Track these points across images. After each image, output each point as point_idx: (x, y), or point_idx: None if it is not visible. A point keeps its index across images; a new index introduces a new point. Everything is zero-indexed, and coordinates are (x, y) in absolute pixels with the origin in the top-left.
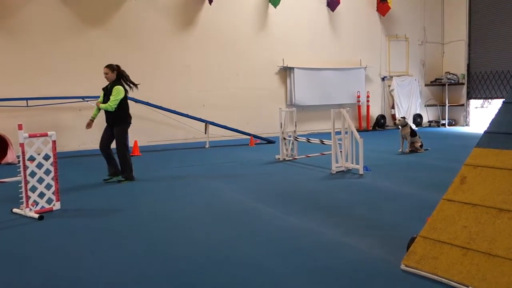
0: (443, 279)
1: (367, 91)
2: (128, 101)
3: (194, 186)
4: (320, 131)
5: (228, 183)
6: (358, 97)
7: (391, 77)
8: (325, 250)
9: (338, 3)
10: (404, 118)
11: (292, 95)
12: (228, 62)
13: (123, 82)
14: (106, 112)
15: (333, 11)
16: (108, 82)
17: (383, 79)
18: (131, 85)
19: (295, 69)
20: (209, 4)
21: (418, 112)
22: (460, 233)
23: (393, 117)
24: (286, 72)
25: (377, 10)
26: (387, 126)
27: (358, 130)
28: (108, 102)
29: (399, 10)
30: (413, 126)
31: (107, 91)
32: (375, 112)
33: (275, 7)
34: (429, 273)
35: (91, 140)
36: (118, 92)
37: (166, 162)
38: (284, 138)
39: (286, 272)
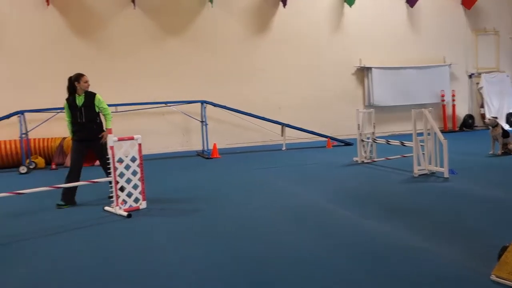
0: None
1: (452, 90)
2: (207, 104)
3: (272, 188)
4: (400, 133)
5: (305, 185)
6: (443, 96)
7: (480, 74)
8: (403, 256)
9: None
10: (495, 117)
11: (370, 96)
12: (304, 64)
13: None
14: (84, 126)
15: (412, 6)
16: (80, 93)
17: (470, 76)
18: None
19: (372, 68)
20: (283, 7)
21: (511, 111)
22: None
23: (483, 116)
24: (363, 72)
25: (462, 3)
26: (476, 126)
27: (442, 131)
28: (106, 113)
29: (486, 2)
30: (506, 126)
31: (84, 103)
32: (461, 112)
33: (350, 6)
34: None
35: (174, 142)
36: (103, 100)
37: (244, 165)
38: (362, 140)
39: (360, 276)
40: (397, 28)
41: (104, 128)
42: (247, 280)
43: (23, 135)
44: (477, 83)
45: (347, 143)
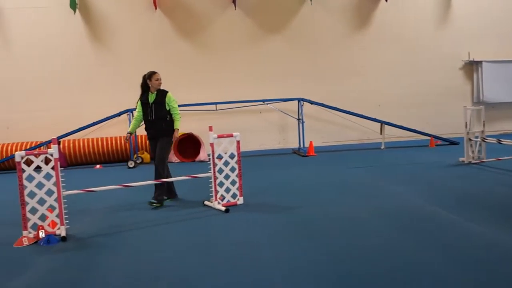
0: None
1: None
2: (304, 102)
3: (369, 188)
4: None
5: (406, 186)
6: None
7: None
8: None
9: None
10: None
11: (480, 92)
12: (406, 59)
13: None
14: (154, 123)
15: None
16: (152, 91)
17: None
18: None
19: (483, 62)
20: (385, 2)
21: None
22: None
23: None
24: (472, 66)
25: None
26: None
27: None
28: (174, 112)
29: None
30: None
31: (155, 100)
32: None
33: None
34: None
35: (271, 140)
36: (174, 99)
37: (341, 163)
38: (470, 139)
39: (468, 285)
40: (509, 17)
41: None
42: (341, 281)
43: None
44: None
45: (452, 142)
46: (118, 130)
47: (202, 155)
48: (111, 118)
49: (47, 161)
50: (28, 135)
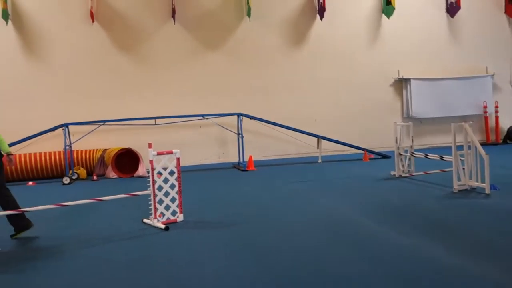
0: None
1: (495, 101)
2: (243, 117)
3: (306, 202)
4: (440, 145)
5: (340, 199)
6: (485, 107)
7: None
8: (441, 276)
9: (459, 8)
10: None
11: (409, 107)
12: (340, 75)
13: None
14: None
15: (453, 17)
16: None
17: None
18: None
19: (411, 80)
20: (320, 20)
21: None
22: None
23: None
24: (401, 83)
25: (505, 12)
26: None
27: (485, 144)
28: None
29: None
30: None
31: None
32: (506, 124)
33: (388, 17)
34: None
35: (211, 154)
36: None
37: (279, 177)
38: (400, 154)
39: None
40: (437, 38)
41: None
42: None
43: (67, 147)
44: None
45: (384, 156)
46: (52, 144)
47: (141, 171)
48: (46, 132)
49: None
50: None
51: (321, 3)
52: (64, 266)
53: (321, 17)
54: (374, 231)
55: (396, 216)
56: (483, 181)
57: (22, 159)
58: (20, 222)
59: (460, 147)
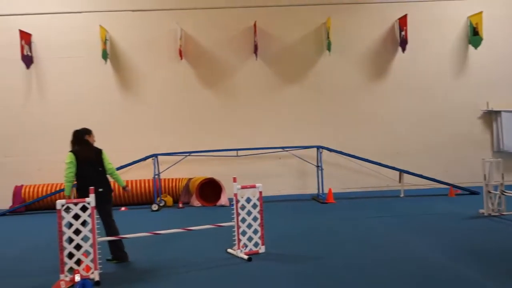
0: None
1: None
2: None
3: (388, 240)
4: None
5: (424, 237)
6: None
7: None
8: None
9: None
10: None
11: (500, 141)
12: (424, 108)
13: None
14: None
15: None
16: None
17: None
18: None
19: (502, 112)
20: (402, 52)
21: None
22: None
23: None
24: (491, 115)
25: None
26: None
27: None
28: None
29: None
30: None
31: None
32: None
33: (476, 48)
34: None
35: (290, 186)
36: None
37: (360, 211)
38: (489, 192)
39: None
40: None
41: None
42: None
43: (156, 176)
44: None
45: (472, 192)
46: (143, 173)
47: (223, 200)
48: (138, 162)
49: (84, 209)
50: (58, 176)
51: (403, 35)
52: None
53: (403, 49)
54: (457, 274)
55: (482, 258)
56: None
57: (117, 185)
58: (118, 253)
59: None
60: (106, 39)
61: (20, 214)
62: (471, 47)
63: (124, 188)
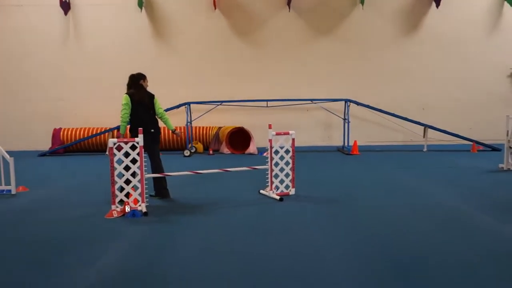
0: None
1: None
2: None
3: (410, 188)
4: None
5: (444, 188)
6: None
7: None
8: None
9: None
10: None
11: None
12: (453, 65)
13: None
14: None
15: None
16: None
17: None
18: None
19: None
20: (436, 8)
21: None
22: None
23: None
24: None
25: None
26: None
27: None
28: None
29: None
30: None
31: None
32: None
33: (511, 5)
34: None
35: (316, 137)
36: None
37: (383, 163)
38: (510, 147)
39: (499, 275)
40: None
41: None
42: (383, 263)
43: (188, 123)
44: None
45: (494, 149)
46: (176, 120)
47: (252, 148)
48: (171, 109)
49: (133, 148)
50: (93, 121)
51: None
52: (198, 222)
53: (437, 5)
54: (474, 219)
55: (501, 206)
56: None
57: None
58: (162, 190)
59: None
60: None
61: (59, 155)
62: (506, 5)
63: (173, 131)
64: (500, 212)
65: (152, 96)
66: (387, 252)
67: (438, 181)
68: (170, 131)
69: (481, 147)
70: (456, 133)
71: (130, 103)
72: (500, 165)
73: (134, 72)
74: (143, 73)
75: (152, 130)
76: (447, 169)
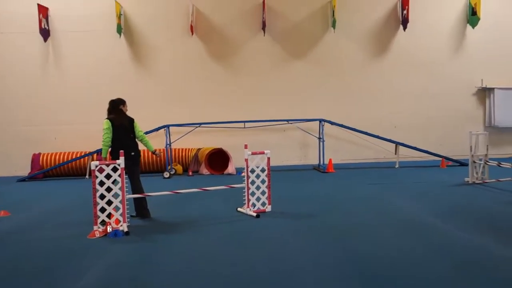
0: None
1: None
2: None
3: (381, 202)
4: None
5: (413, 201)
6: None
7: None
8: (492, 263)
9: None
10: None
11: (492, 116)
12: (421, 84)
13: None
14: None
15: None
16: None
17: None
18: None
19: (495, 89)
20: (403, 31)
21: None
22: None
23: None
24: (484, 92)
25: None
26: None
27: None
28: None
29: None
30: None
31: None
32: None
33: (473, 27)
34: None
35: (293, 156)
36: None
37: (357, 179)
38: (474, 162)
39: (447, 275)
40: None
41: None
42: (353, 270)
43: (168, 146)
44: None
45: (462, 164)
46: (155, 143)
47: (230, 169)
48: (151, 132)
49: (114, 170)
50: (72, 145)
51: (404, 14)
52: (178, 239)
53: (404, 27)
54: (436, 227)
55: (460, 216)
56: None
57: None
58: (142, 210)
59: None
60: (120, 14)
61: (38, 180)
62: (469, 27)
63: (153, 152)
64: (460, 221)
65: (132, 120)
66: (356, 260)
67: (407, 196)
68: (151, 153)
69: (450, 163)
70: (426, 149)
71: (111, 128)
72: (466, 179)
73: (114, 98)
74: (123, 97)
75: (133, 153)
76: (417, 184)
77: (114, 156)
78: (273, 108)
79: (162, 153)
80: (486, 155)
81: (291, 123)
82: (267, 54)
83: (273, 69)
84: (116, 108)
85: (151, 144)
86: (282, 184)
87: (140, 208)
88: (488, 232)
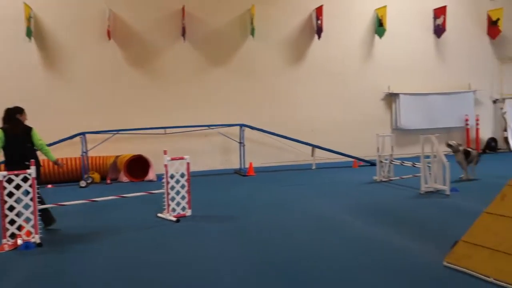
0: (473, 273)
1: (477, 114)
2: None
3: (298, 202)
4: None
5: (326, 199)
6: (467, 120)
7: (504, 99)
8: (391, 251)
9: (444, 30)
10: (458, 143)
11: (398, 120)
12: (335, 90)
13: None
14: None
15: (439, 37)
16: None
17: (494, 101)
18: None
19: (400, 95)
20: (318, 39)
21: None
22: (492, 238)
23: (506, 140)
24: (391, 98)
25: (487, 33)
26: (500, 149)
27: None
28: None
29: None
30: None
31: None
32: (485, 135)
33: (380, 37)
34: (463, 268)
35: (215, 161)
36: None
37: (276, 182)
38: (381, 161)
39: (354, 265)
40: (424, 57)
41: None
42: (272, 269)
43: (84, 153)
44: (501, 108)
45: (372, 163)
46: (70, 151)
47: (151, 175)
48: (65, 140)
49: (25, 180)
50: None
51: (319, 24)
52: (95, 248)
53: (319, 36)
54: (346, 222)
55: (367, 211)
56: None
57: (42, 164)
58: (49, 217)
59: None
60: (30, 17)
61: None
62: (376, 37)
63: (55, 162)
64: (368, 216)
65: (29, 129)
66: (271, 257)
67: (321, 194)
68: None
69: (362, 163)
70: (340, 151)
71: (3, 137)
72: (374, 177)
73: (17, 106)
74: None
75: (27, 163)
76: (331, 183)
77: (9, 166)
78: (195, 114)
79: (64, 164)
80: (391, 155)
81: (212, 128)
82: (187, 60)
83: (194, 75)
84: (12, 117)
85: (52, 154)
86: (203, 189)
87: (47, 216)
88: (392, 225)
